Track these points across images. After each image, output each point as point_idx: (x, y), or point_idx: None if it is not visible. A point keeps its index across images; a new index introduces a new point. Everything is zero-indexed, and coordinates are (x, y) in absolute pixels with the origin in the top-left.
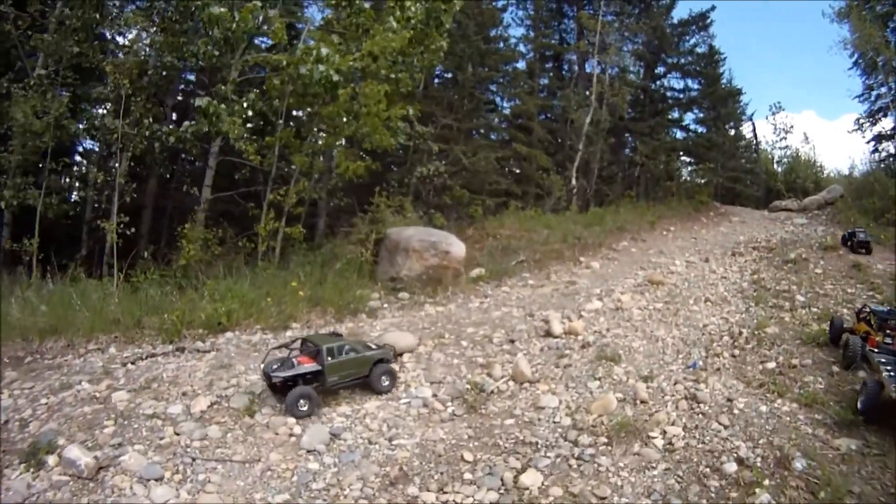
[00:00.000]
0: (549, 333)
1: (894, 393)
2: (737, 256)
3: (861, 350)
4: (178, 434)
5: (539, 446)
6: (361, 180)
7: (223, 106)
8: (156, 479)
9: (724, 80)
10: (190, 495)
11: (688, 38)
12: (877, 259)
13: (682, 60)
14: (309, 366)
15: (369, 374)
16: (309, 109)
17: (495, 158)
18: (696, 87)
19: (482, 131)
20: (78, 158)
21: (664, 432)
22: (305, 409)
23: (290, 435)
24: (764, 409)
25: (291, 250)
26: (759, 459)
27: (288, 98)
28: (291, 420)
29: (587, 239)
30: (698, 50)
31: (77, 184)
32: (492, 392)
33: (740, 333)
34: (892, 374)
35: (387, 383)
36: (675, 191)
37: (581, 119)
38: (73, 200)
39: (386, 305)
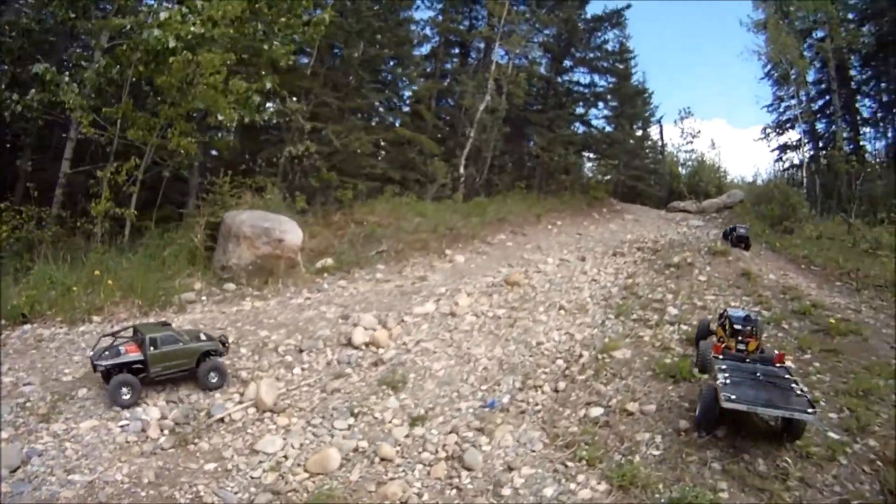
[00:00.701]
0: (349, 343)
1: (724, 401)
2: (617, 256)
3: (708, 355)
4: None
5: None
6: (230, 157)
7: (66, 74)
8: None
9: (635, 81)
10: None
11: (600, 34)
12: (771, 268)
13: (591, 56)
14: (133, 355)
15: (197, 367)
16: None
17: (374, 142)
18: (603, 84)
19: (367, 113)
20: None
21: None
22: (128, 397)
23: None
24: (550, 491)
25: (148, 232)
26: None
27: (136, 66)
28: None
29: (461, 230)
30: (608, 47)
31: None
32: (221, 420)
33: (579, 357)
34: (727, 381)
35: (215, 380)
36: (568, 185)
37: (475, 105)
38: None
39: (204, 298)
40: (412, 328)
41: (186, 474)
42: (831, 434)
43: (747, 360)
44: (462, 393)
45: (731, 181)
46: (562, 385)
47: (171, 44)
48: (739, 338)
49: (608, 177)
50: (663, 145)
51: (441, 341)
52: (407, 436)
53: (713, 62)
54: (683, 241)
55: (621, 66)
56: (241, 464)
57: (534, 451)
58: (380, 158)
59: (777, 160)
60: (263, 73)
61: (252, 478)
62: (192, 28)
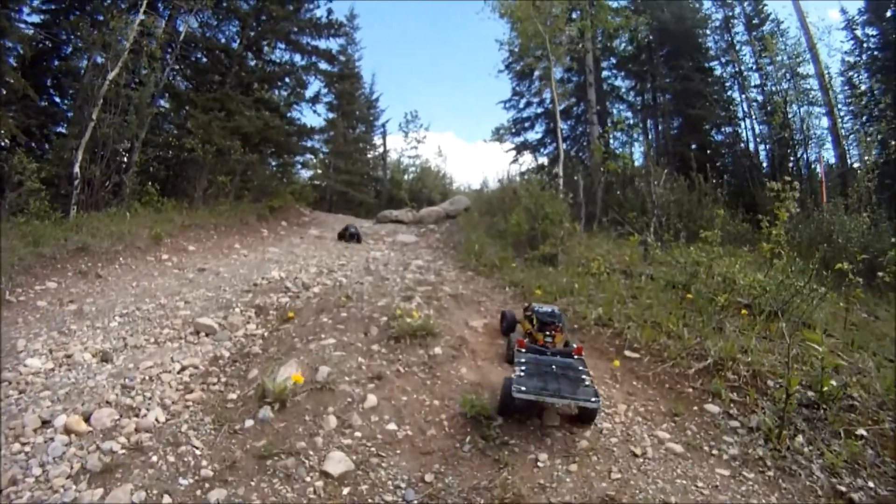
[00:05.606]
0: None
1: (514, 392)
2: (197, 338)
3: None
4: None
5: None
6: None
7: None
8: None
9: (364, 86)
10: None
11: (308, 5)
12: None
13: (291, 29)
14: None
15: None
16: None
17: None
18: (302, 63)
19: None
20: None
21: None
22: None
23: None
24: None
25: None
26: None
27: None
28: None
29: None
30: (317, 16)
31: None
32: None
33: None
34: (522, 373)
35: None
36: (229, 189)
37: (101, 74)
38: None
39: None
40: None
41: None
42: None
43: (548, 353)
44: None
45: (457, 188)
46: None
47: None
48: (546, 332)
49: (318, 182)
50: (386, 151)
51: None
52: None
53: (447, 76)
54: (358, 291)
55: (339, 55)
56: None
57: None
58: None
59: (513, 161)
60: None
61: None
62: None
